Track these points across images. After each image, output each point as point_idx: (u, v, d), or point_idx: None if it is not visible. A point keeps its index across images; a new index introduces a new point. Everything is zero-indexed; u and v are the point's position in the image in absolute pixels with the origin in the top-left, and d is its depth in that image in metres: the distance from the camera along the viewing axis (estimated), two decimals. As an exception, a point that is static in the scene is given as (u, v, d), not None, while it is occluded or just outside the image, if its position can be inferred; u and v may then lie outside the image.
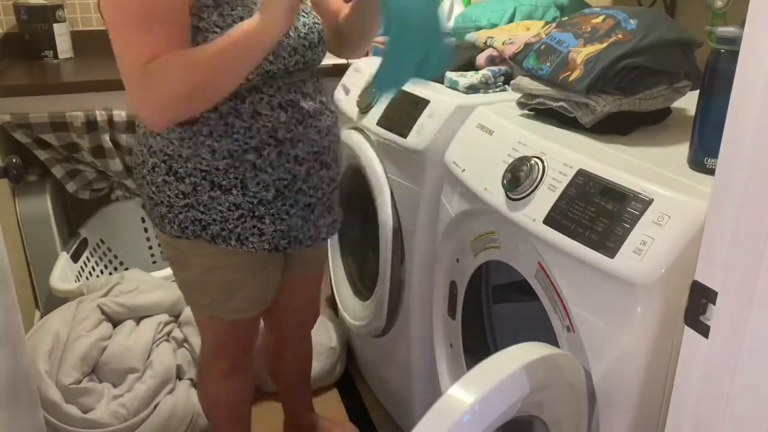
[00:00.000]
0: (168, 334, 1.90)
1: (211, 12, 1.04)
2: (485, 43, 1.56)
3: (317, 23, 1.20)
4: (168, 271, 2.06)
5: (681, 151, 1.05)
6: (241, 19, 1.05)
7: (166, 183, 1.15)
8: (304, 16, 1.17)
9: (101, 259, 2.33)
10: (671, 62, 1.15)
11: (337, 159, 1.25)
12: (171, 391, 1.79)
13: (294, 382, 1.70)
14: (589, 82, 1.10)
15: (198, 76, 0.99)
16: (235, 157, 1.12)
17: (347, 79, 1.84)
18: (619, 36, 1.13)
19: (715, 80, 0.95)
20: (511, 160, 1.14)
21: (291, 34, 1.12)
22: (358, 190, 1.75)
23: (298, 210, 1.20)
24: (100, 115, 2.04)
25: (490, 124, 1.25)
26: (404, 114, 1.47)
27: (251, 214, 1.17)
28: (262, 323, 1.48)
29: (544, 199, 1.05)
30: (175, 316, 1.95)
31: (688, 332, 0.74)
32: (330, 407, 1.93)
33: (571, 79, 1.13)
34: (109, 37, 1.01)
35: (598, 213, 0.95)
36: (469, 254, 1.30)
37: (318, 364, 1.95)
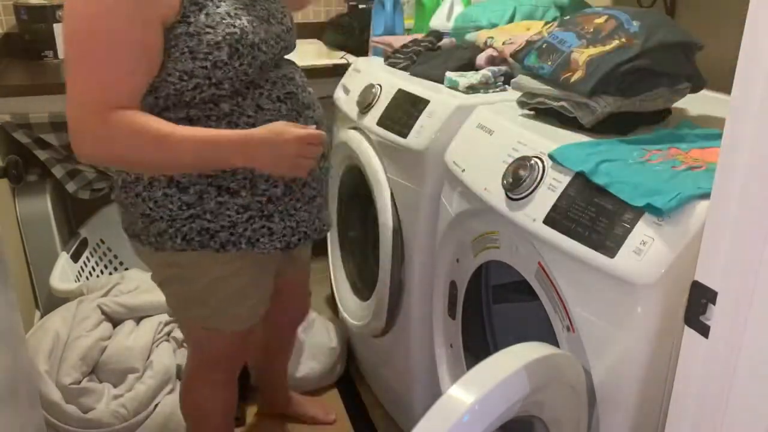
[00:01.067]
0: (168, 334, 1.90)
1: (197, 14, 1.03)
2: (485, 43, 1.56)
3: (284, 6, 1.21)
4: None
5: (681, 151, 1.05)
6: (228, 15, 1.05)
7: (166, 196, 1.12)
8: (274, 2, 1.17)
9: (101, 259, 2.33)
10: (672, 65, 1.15)
11: (329, 150, 1.26)
12: (171, 391, 1.79)
13: (277, 374, 1.75)
14: (593, 86, 1.10)
15: (156, 156, 1.03)
16: None
17: (347, 78, 1.84)
18: (623, 39, 1.13)
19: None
20: (511, 160, 1.14)
21: (272, 21, 1.13)
22: (358, 190, 1.76)
23: (304, 204, 1.20)
24: (100, 115, 2.04)
25: (490, 124, 1.25)
26: (404, 114, 1.47)
27: (260, 214, 1.15)
28: None
29: (544, 199, 1.05)
30: (175, 316, 1.96)
31: (688, 332, 0.74)
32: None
33: (572, 80, 1.13)
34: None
35: (598, 213, 0.95)
36: (469, 254, 1.30)
37: (318, 364, 1.95)
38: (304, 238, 1.22)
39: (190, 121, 1.08)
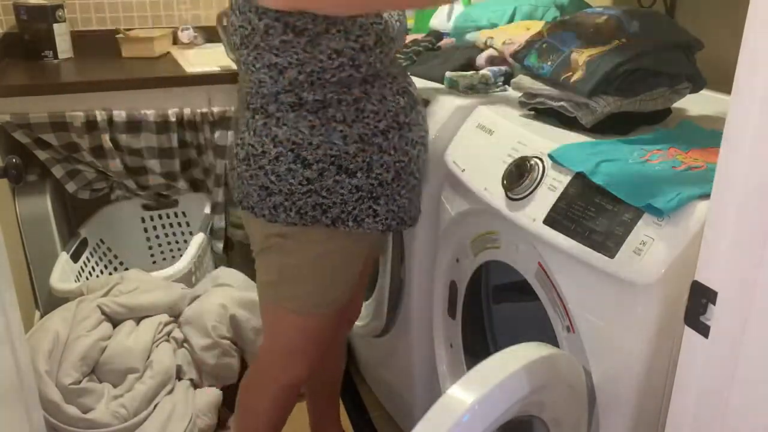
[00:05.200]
0: (168, 334, 1.90)
1: None
2: (485, 43, 1.56)
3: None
4: (168, 271, 2.05)
5: (681, 151, 1.05)
6: None
7: (290, 171, 1.17)
8: None
9: (101, 259, 2.33)
10: (672, 65, 1.15)
11: (428, 145, 1.33)
12: (170, 392, 1.79)
13: (326, 388, 1.67)
14: (593, 86, 1.10)
15: None
16: (365, 141, 1.17)
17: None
18: (623, 39, 1.13)
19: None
20: (511, 160, 1.14)
21: (400, 20, 1.21)
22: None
23: (407, 191, 1.26)
24: (100, 115, 2.04)
25: (490, 124, 1.25)
26: (404, 114, 1.47)
27: (369, 195, 1.20)
28: None
29: (544, 199, 1.05)
30: (175, 316, 1.95)
31: (688, 332, 0.74)
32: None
33: (573, 80, 1.13)
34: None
35: (598, 213, 0.95)
36: (469, 254, 1.30)
37: (318, 364, 1.95)
38: (401, 224, 1.27)
39: (323, 104, 1.14)
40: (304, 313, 1.28)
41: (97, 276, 2.26)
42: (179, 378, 1.84)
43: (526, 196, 1.08)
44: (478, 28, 1.68)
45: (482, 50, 1.58)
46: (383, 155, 1.19)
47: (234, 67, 2.15)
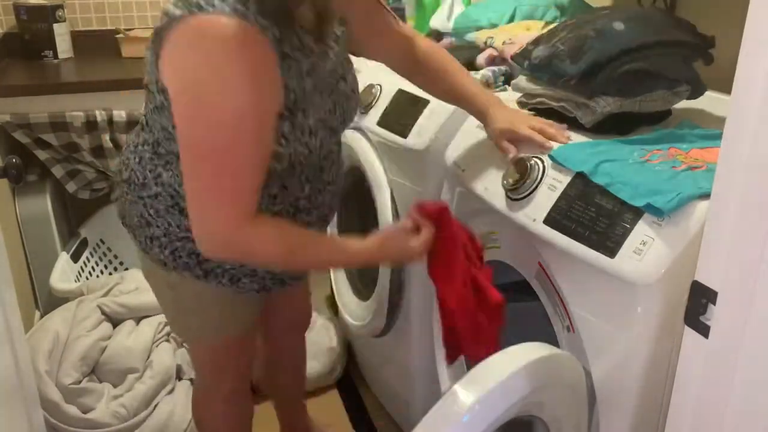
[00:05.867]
0: (168, 334, 1.90)
1: (284, 120, 0.99)
2: (485, 43, 1.56)
3: (354, 92, 1.17)
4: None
5: (681, 151, 1.05)
6: (309, 130, 1.02)
7: (168, 212, 1.11)
8: (351, 98, 1.14)
9: (101, 259, 2.32)
10: (670, 69, 1.15)
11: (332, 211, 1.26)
12: (171, 391, 1.79)
13: (289, 391, 1.68)
14: (583, 68, 1.10)
15: (289, 259, 1.04)
16: None
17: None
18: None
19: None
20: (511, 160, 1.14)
21: (339, 127, 1.12)
22: (358, 190, 1.75)
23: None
24: (99, 115, 2.04)
25: (490, 124, 1.25)
26: (404, 114, 1.47)
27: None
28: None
29: (544, 199, 1.05)
30: (175, 316, 1.95)
31: (688, 332, 0.74)
32: (330, 407, 1.92)
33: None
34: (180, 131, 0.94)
35: (598, 213, 0.95)
36: (469, 254, 1.30)
37: (318, 364, 1.95)
38: (280, 285, 1.22)
39: None
40: (203, 341, 1.27)
41: (97, 276, 2.26)
42: (179, 378, 1.84)
43: (526, 196, 1.08)
44: (478, 28, 1.68)
45: (482, 50, 1.57)
46: None
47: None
